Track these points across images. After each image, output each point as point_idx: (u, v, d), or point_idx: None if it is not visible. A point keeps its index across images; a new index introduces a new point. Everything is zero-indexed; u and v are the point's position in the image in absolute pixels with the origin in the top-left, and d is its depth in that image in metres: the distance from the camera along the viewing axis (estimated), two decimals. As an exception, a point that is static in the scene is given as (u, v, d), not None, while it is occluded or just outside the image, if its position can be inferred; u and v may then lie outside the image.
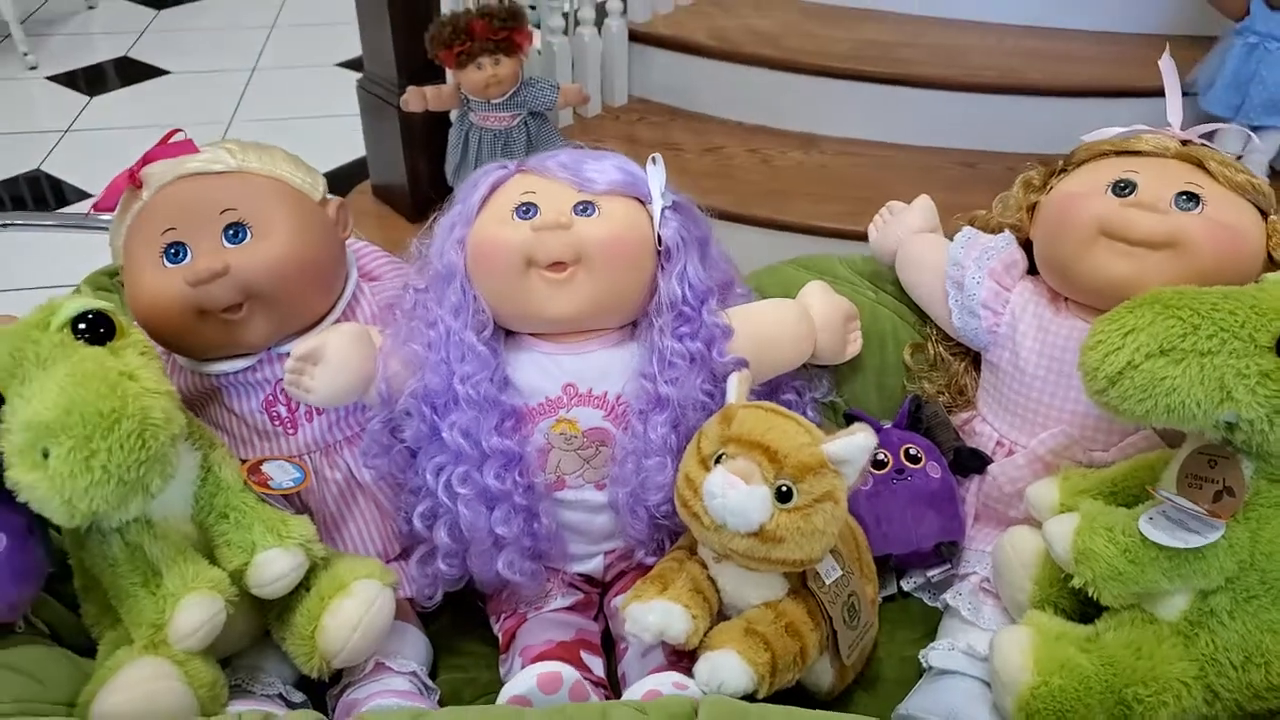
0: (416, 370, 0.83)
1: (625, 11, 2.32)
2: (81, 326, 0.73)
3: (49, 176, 2.52)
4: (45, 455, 0.67)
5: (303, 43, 3.33)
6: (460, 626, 0.93)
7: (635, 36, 2.35)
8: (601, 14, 2.31)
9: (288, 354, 0.83)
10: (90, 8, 3.61)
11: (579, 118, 2.34)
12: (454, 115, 2.03)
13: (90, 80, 3.07)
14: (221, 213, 0.81)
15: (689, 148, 2.22)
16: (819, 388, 0.96)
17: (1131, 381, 0.67)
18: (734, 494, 0.72)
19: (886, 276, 1.03)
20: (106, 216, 0.87)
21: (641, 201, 0.87)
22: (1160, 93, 0.89)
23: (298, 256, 0.82)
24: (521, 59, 1.89)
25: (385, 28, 2.24)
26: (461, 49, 1.84)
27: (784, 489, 0.73)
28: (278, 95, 2.93)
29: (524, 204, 0.84)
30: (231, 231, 0.81)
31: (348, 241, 0.93)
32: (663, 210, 0.86)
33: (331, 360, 0.81)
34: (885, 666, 0.88)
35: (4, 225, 1.01)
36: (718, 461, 0.76)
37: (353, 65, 3.14)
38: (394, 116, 2.15)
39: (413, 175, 2.26)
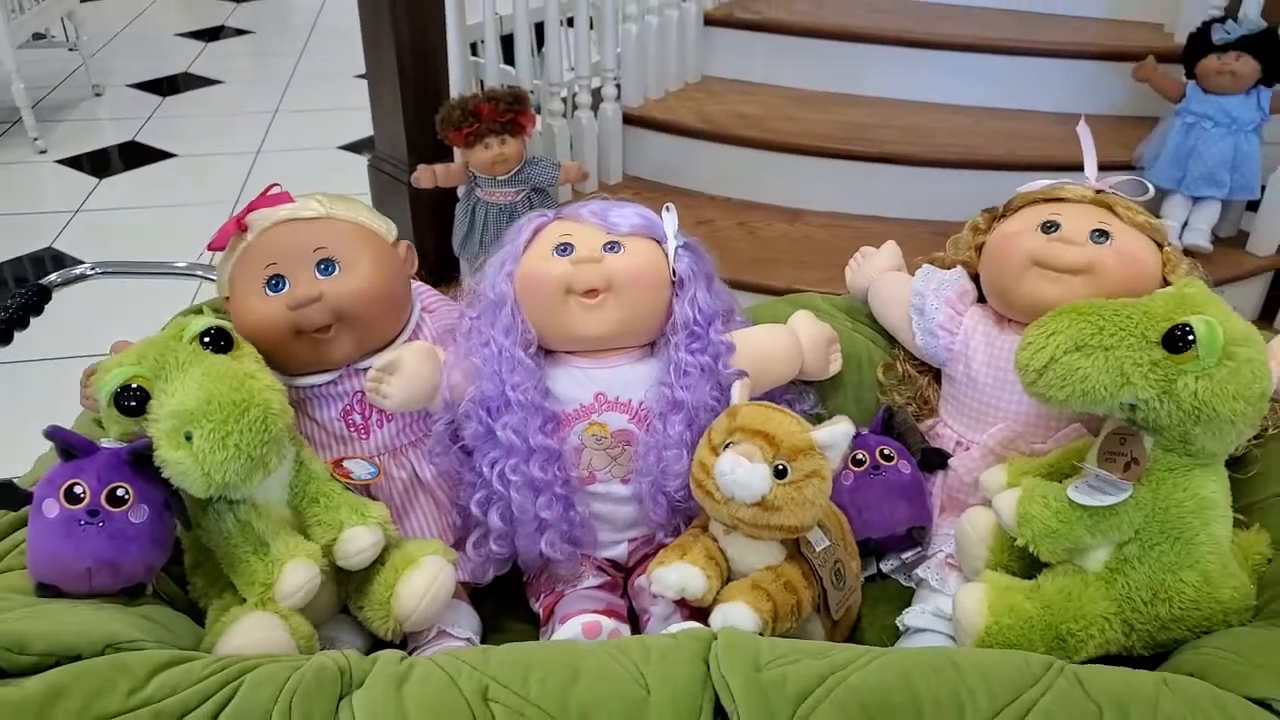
0: (474, 380, 1.03)
1: (619, 97, 2.56)
2: (207, 340, 0.92)
3: (59, 254, 2.70)
4: (188, 437, 0.86)
5: (305, 127, 3.56)
6: (503, 609, 1.11)
7: (629, 119, 2.57)
8: (597, 99, 2.53)
9: (364, 370, 1.03)
10: (97, 95, 3.83)
11: (577, 194, 2.53)
12: (461, 191, 2.23)
13: (98, 163, 3.27)
14: (314, 250, 1.01)
15: (680, 221, 2.40)
16: (806, 401, 1.16)
17: (1054, 373, 0.88)
18: (740, 471, 0.92)
19: (860, 310, 1.25)
20: (174, 265, 1.06)
21: (658, 241, 1.08)
22: (1104, 167, 1.12)
23: (378, 286, 1.02)
24: (525, 139, 2.07)
25: (397, 111, 2.44)
26: (470, 130, 2.02)
27: (780, 467, 0.93)
28: (282, 177, 3.09)
29: (562, 244, 1.05)
30: (323, 266, 1.01)
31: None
32: (676, 248, 1.07)
33: (406, 371, 1.01)
34: (868, 634, 1.07)
35: (95, 274, 1.20)
36: (726, 449, 0.95)
37: (352, 148, 3.38)
38: (404, 193, 2.35)
39: (421, 247, 2.41)
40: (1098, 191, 1.07)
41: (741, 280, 2.15)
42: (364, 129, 3.37)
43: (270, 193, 1.05)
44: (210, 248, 1.03)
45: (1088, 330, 0.87)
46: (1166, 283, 1.02)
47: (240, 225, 1.03)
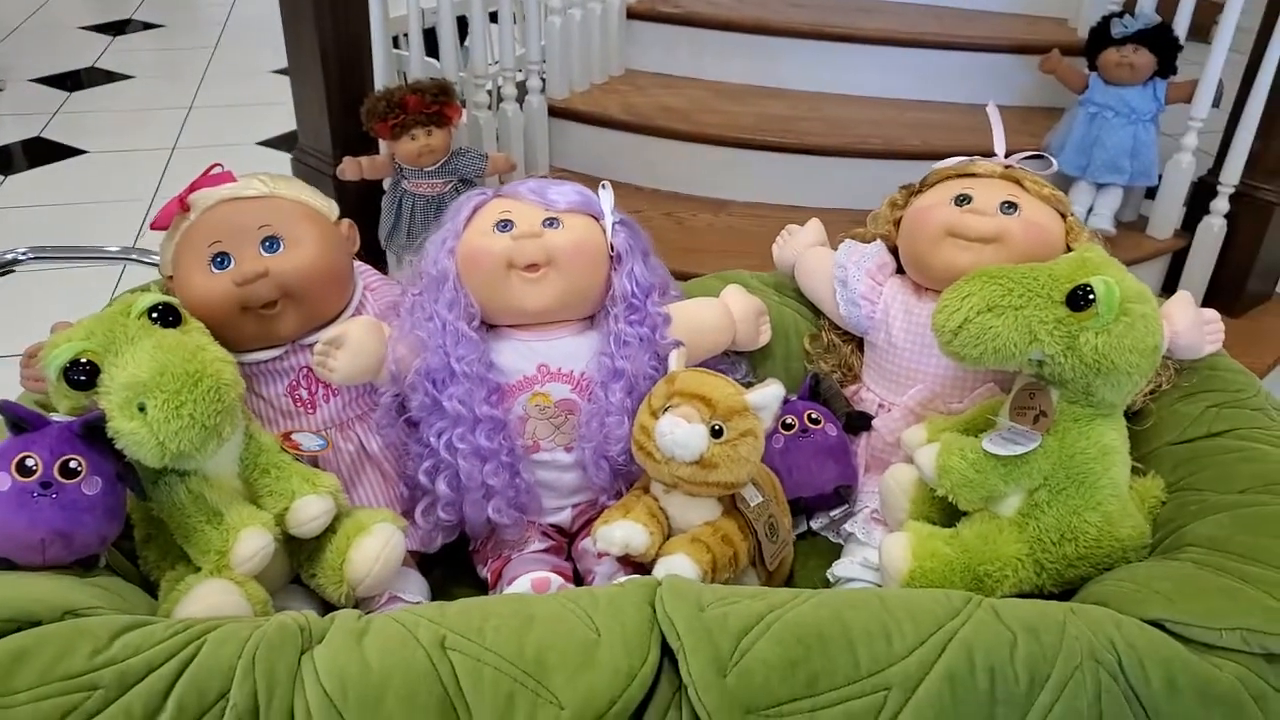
0: (420, 353, 1.07)
1: (544, 89, 2.60)
2: (155, 315, 0.95)
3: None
4: (141, 409, 0.89)
5: (222, 123, 3.52)
6: (450, 577, 1.16)
7: (554, 112, 2.61)
8: (522, 91, 2.58)
9: (310, 345, 1.07)
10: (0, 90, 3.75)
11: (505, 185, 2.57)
12: (387, 183, 2.22)
13: (2, 161, 3.19)
14: (259, 228, 1.05)
15: None
16: (738, 370, 1.23)
17: (968, 332, 0.96)
18: (680, 431, 0.98)
19: (787, 285, 1.33)
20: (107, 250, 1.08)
21: (596, 218, 1.14)
22: (1012, 153, 1.20)
23: (322, 262, 1.06)
24: (452, 130, 2.08)
25: (321, 104, 2.45)
26: (396, 122, 2.02)
27: (716, 428, 0.99)
28: (200, 172, 3.12)
29: (502, 220, 1.10)
30: (268, 243, 1.05)
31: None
32: (613, 224, 1.13)
33: (352, 344, 1.05)
34: (800, 587, 1.13)
35: (27, 258, 1.21)
36: (665, 412, 1.01)
37: (272, 144, 3.36)
38: (329, 186, 2.31)
39: None
40: (1006, 167, 1.16)
41: (671, 269, 2.16)
42: (283, 125, 3.37)
43: (212, 172, 1.08)
44: (153, 227, 1.06)
45: (998, 292, 0.95)
46: (1070, 249, 1.10)
47: (183, 205, 1.06)
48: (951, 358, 0.99)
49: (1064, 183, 2.19)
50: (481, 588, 1.13)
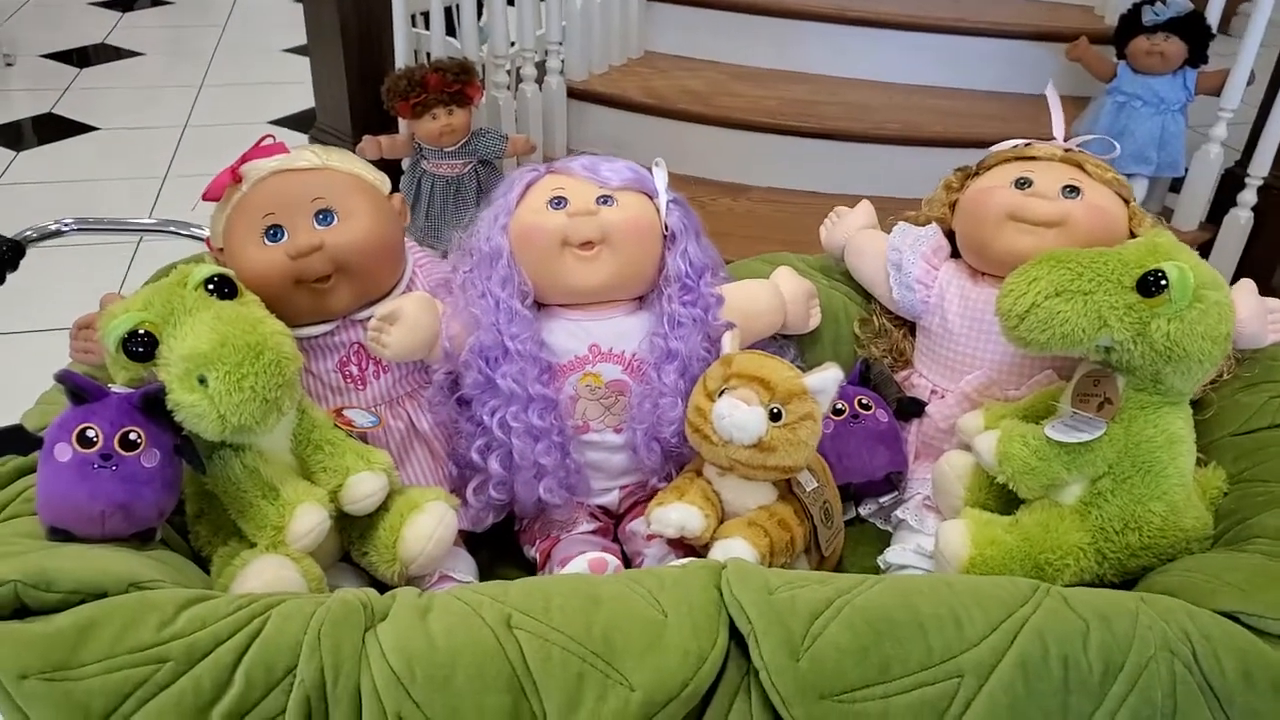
0: (473, 331, 1.05)
1: (563, 70, 2.57)
2: (210, 286, 0.93)
3: (-25, 231, 2.62)
4: (202, 381, 0.87)
5: (233, 101, 3.49)
6: (497, 557, 1.14)
7: (573, 93, 2.59)
8: (541, 72, 2.56)
9: (363, 321, 1.05)
10: (9, 64, 3.69)
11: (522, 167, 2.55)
12: (406, 163, 2.21)
13: (12, 136, 3.15)
14: (312, 200, 1.03)
15: None
16: (788, 354, 1.21)
17: (1035, 317, 0.94)
18: (738, 413, 0.96)
19: (834, 269, 1.31)
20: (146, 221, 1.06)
21: (649, 195, 1.12)
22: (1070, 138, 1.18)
23: (376, 236, 1.04)
24: (473, 110, 2.08)
25: (341, 82, 2.44)
26: (417, 100, 2.02)
27: (775, 410, 0.98)
28: (213, 151, 3.04)
29: (556, 197, 1.09)
30: (321, 215, 1.03)
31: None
32: (667, 202, 1.11)
33: (406, 320, 1.03)
34: (851, 573, 1.12)
35: (71, 229, 1.20)
36: (721, 395, 1.00)
37: (284, 123, 3.32)
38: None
39: None
40: (1066, 150, 1.14)
41: None
42: (296, 104, 3.35)
43: (264, 143, 1.06)
44: (205, 197, 1.04)
45: (1067, 276, 0.93)
46: (1133, 235, 1.09)
47: (235, 176, 1.04)
48: (1016, 343, 0.98)
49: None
50: (528, 568, 1.11)
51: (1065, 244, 1.04)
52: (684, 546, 1.03)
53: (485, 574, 1.10)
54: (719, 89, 2.63)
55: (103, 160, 3.03)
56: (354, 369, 1.07)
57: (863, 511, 1.18)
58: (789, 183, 2.54)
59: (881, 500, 1.17)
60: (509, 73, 2.47)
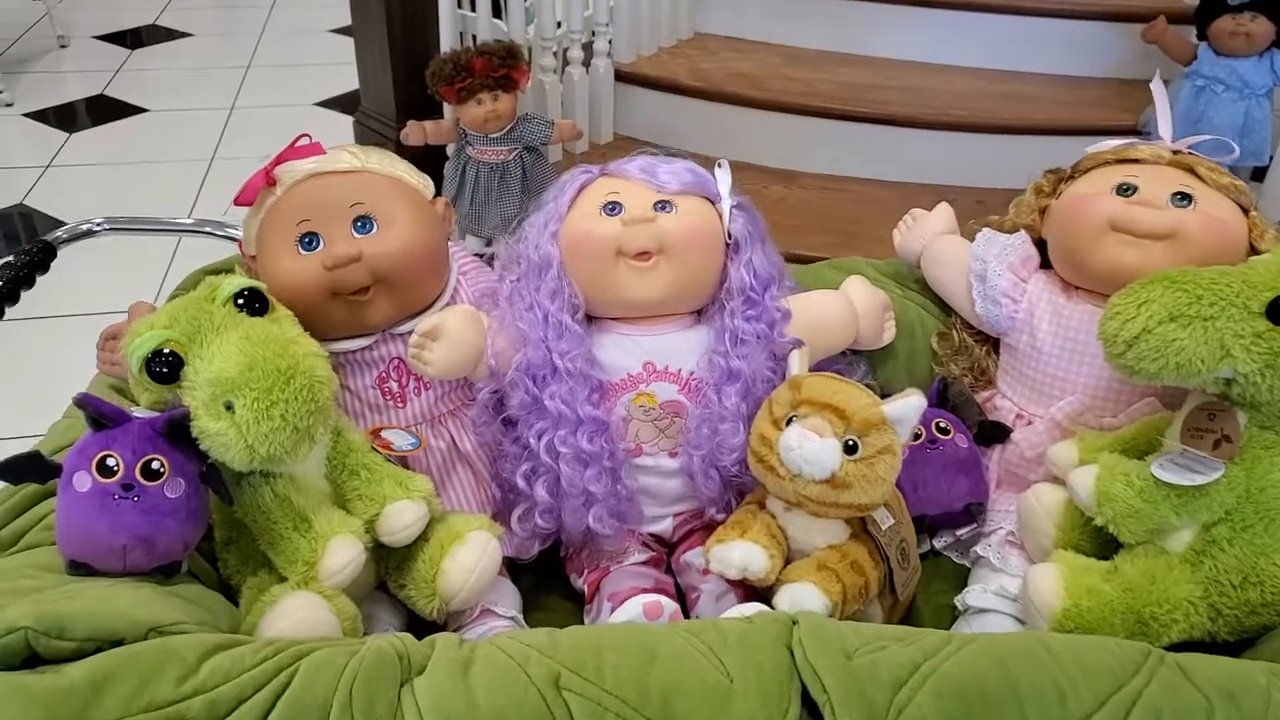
0: (520, 347, 0.96)
1: (611, 53, 2.48)
2: (240, 301, 0.85)
3: (30, 211, 2.56)
4: (228, 407, 0.79)
5: (279, 83, 3.43)
6: (540, 585, 1.05)
7: (621, 76, 2.50)
8: (588, 54, 2.46)
9: (403, 335, 0.96)
10: (62, 46, 3.66)
11: (568, 154, 2.47)
12: (450, 150, 2.15)
13: (66, 118, 3.12)
14: (350, 206, 0.93)
15: None
16: (857, 371, 1.10)
17: (1146, 344, 0.83)
18: (810, 445, 0.86)
19: (908, 276, 1.19)
20: (182, 222, 0.98)
21: (711, 200, 1.01)
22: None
23: (418, 245, 0.95)
24: (518, 95, 1.99)
25: (385, 66, 2.36)
26: (462, 85, 1.95)
27: (850, 443, 0.88)
28: (259, 133, 3.02)
29: (610, 202, 0.99)
30: (360, 223, 0.94)
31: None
32: (731, 208, 1.01)
33: (449, 336, 0.94)
34: (923, 614, 1.02)
35: (103, 229, 1.12)
36: (789, 423, 0.90)
37: (329, 104, 3.25)
38: (391, 151, 2.27)
39: None
40: (1175, 152, 1.02)
41: None
42: (341, 85, 3.27)
43: (299, 144, 0.97)
44: (237, 202, 0.95)
45: (1184, 300, 0.82)
46: (1254, 250, 0.97)
47: (269, 178, 0.95)
48: (1121, 371, 0.87)
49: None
50: (575, 598, 1.02)
51: (1176, 258, 0.93)
52: (745, 585, 0.94)
53: (528, 604, 1.01)
54: (771, 72, 2.54)
55: (152, 142, 2.99)
56: (394, 385, 0.98)
57: (937, 544, 1.08)
58: (843, 169, 2.45)
59: (959, 533, 1.06)
60: (555, 55, 2.39)
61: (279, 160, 0.95)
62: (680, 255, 0.97)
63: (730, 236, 1.00)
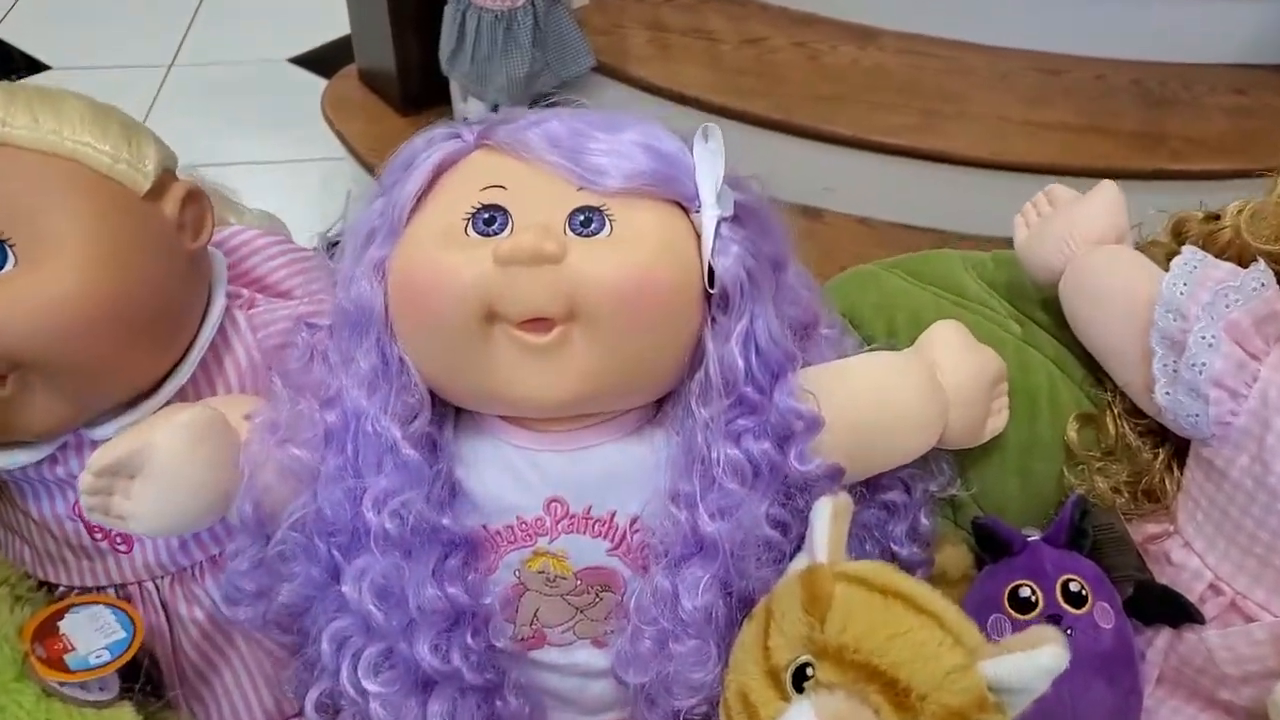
0: (303, 483, 0.49)
1: None
2: None
3: None
4: None
5: (236, 33, 2.27)
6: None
7: (652, -105, 1.97)
8: None
9: (101, 442, 0.49)
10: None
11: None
12: (448, -5, 1.79)
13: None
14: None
15: (725, 38, 1.86)
16: (937, 476, 0.61)
17: None
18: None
19: (1032, 293, 0.67)
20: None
21: (682, 206, 0.50)
22: None
23: (93, 295, 0.47)
24: None
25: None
26: None
27: (912, 746, 0.41)
28: (207, 104, 2.11)
29: (487, 206, 0.48)
30: (-21, 254, 0.46)
31: (236, 233, 0.58)
32: (718, 224, 0.49)
33: (159, 472, 0.47)
34: None
35: None
36: (799, 679, 0.43)
37: (303, 62, 2.32)
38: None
39: (402, 59, 1.94)
40: None
41: (798, 124, 1.65)
42: (321, 36, 2.33)
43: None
44: None
45: None
46: None
47: None
48: None
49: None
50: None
51: None
52: None
53: None
54: (848, -107, 1.97)
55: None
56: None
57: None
58: (932, 28, 1.88)
59: (1088, 769, 0.59)
60: None
61: None
62: (609, 325, 0.47)
63: (713, 280, 0.50)
